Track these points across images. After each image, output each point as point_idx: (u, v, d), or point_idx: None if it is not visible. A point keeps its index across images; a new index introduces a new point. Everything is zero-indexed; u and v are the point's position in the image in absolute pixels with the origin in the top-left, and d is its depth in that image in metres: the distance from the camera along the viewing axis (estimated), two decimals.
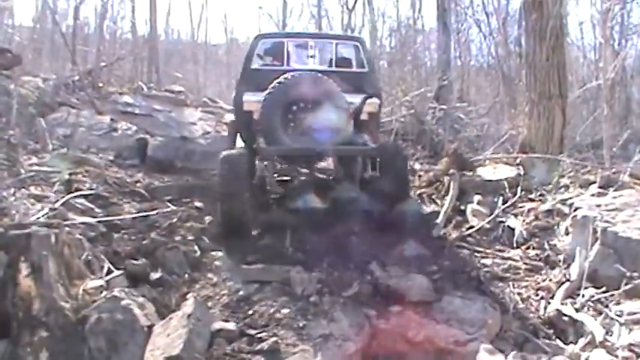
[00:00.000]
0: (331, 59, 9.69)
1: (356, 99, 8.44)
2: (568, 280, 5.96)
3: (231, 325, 5.12)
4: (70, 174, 8.43)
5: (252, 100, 8.36)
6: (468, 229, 7.66)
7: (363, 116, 8.59)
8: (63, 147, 10.61)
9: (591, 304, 5.46)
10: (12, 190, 6.97)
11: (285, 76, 7.93)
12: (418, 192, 9.22)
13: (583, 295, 5.59)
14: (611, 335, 4.91)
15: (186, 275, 6.24)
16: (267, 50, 9.64)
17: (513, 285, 6.12)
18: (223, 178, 7.38)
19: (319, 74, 8.07)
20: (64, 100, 13.88)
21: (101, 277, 5.55)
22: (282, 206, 8.89)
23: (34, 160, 9.20)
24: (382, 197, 8.07)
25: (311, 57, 9.68)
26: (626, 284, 5.49)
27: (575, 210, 6.85)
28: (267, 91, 7.87)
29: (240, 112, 8.69)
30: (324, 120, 7.81)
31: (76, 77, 16.08)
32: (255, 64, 9.27)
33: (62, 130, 11.75)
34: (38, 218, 6.03)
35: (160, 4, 28.56)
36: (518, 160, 9.54)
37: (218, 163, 7.53)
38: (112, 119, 13.07)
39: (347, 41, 10.35)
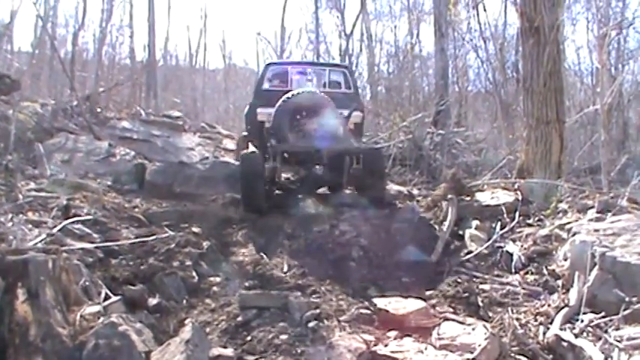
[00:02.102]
0: (325, 82, 12.08)
1: (344, 112, 10.63)
2: (567, 306, 5.91)
3: (229, 351, 5.07)
4: (68, 199, 8.41)
5: (264, 113, 10.75)
6: (467, 254, 7.65)
7: (350, 125, 10.93)
8: (61, 172, 10.63)
9: (590, 330, 5.41)
10: (10, 216, 6.94)
11: (292, 92, 10.29)
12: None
13: (582, 321, 5.54)
14: None
15: (184, 301, 6.21)
16: (274, 75, 12.14)
17: (512, 310, 6.07)
18: (243, 171, 9.77)
19: (316, 91, 10.48)
20: (62, 126, 13.95)
21: (99, 303, 5.48)
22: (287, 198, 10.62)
23: (32, 185, 9.21)
24: (363, 186, 10.40)
25: (309, 80, 11.50)
26: (625, 309, 5.45)
27: (573, 235, 6.84)
28: (278, 103, 10.11)
29: (254, 122, 11.18)
30: (320, 125, 10.03)
31: (75, 103, 16.17)
32: (266, 85, 11.80)
33: (60, 156, 11.78)
34: (36, 244, 6.00)
35: (159, 30, 28.79)
36: (516, 186, 9.56)
37: (239, 160, 10.34)
38: (110, 144, 13.11)
39: (337, 68, 13.32)
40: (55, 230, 6.63)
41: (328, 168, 10.54)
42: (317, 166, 10.68)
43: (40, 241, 6.13)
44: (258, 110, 11.02)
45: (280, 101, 10.14)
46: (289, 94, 10.18)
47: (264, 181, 9.92)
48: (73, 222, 7.26)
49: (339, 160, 10.31)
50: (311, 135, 10.10)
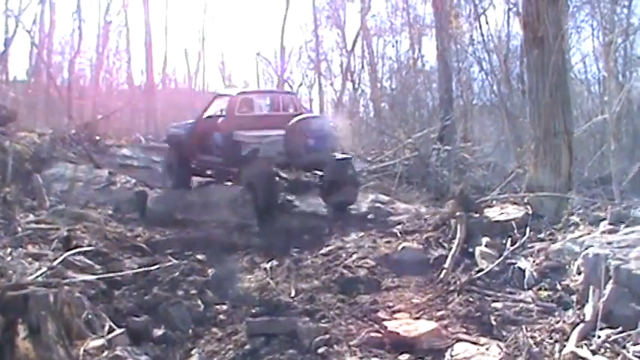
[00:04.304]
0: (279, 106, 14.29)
1: None
2: (582, 321, 5.78)
3: None
4: (69, 230, 8.35)
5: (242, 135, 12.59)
6: (477, 272, 7.51)
7: None
8: (60, 203, 10.57)
9: (608, 346, 5.29)
10: (9, 250, 6.86)
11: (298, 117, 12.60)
12: (425, 236, 9.07)
13: (599, 337, 5.42)
14: None
15: (190, 331, 6.11)
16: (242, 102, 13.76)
17: (526, 328, 5.94)
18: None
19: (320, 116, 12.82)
20: (60, 155, 13.92)
21: (102, 336, 5.40)
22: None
23: (32, 217, 9.15)
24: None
25: (267, 105, 14.36)
26: None
27: (586, 248, 6.71)
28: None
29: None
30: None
31: (73, 131, 16.20)
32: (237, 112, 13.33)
33: (59, 186, 11.77)
34: (36, 277, 5.90)
35: (156, 54, 28.81)
36: (525, 200, 9.45)
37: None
38: (110, 172, 13.14)
39: (286, 95, 16.98)
40: (55, 263, 6.51)
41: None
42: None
43: (41, 275, 6.02)
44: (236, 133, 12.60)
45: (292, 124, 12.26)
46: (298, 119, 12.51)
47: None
48: (74, 254, 7.15)
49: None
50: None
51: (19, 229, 8.09)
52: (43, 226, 8.57)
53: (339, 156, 12.93)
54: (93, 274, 6.88)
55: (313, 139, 12.40)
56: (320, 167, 12.60)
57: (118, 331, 5.60)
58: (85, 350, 4.96)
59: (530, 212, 8.89)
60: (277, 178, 12.07)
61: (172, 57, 49.36)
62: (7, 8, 25.49)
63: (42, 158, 13.03)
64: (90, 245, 7.90)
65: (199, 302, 6.68)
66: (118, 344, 5.25)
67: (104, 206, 11.05)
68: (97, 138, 17.00)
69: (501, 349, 5.44)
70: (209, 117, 13.54)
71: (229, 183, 13.13)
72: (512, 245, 7.94)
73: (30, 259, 6.77)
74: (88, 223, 9.13)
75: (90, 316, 5.65)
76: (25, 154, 12.50)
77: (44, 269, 6.16)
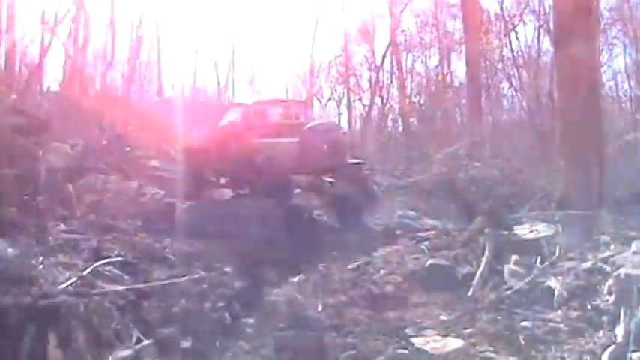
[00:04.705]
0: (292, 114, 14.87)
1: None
2: (613, 343, 5.71)
3: None
4: (99, 241, 8.43)
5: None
6: (506, 290, 7.44)
7: None
8: (91, 213, 10.62)
9: None
10: (40, 258, 6.92)
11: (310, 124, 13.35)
12: (453, 253, 9.02)
13: (631, 359, 5.35)
14: None
15: (218, 343, 6.12)
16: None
17: (555, 348, 5.89)
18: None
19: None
20: (91, 166, 14.01)
21: (130, 347, 5.44)
22: None
23: (63, 227, 9.20)
24: None
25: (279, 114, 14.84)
26: None
27: (617, 268, 6.65)
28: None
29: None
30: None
31: (104, 142, 16.32)
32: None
33: (90, 196, 11.80)
34: (67, 286, 5.96)
35: (186, 67, 29.02)
36: (555, 218, 9.35)
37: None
38: (139, 184, 13.16)
39: (298, 103, 17.77)
40: (85, 272, 6.57)
41: None
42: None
43: (71, 284, 6.08)
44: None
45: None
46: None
47: None
48: (103, 264, 7.21)
49: None
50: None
51: (51, 238, 8.16)
52: (73, 236, 8.64)
53: (352, 161, 13.61)
54: (122, 284, 6.90)
55: (326, 144, 12.79)
56: (333, 172, 13.29)
57: (146, 341, 5.63)
58: None
59: (560, 230, 8.81)
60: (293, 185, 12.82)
61: (202, 70, 49.76)
62: (44, 20, 26.02)
63: (73, 169, 13.14)
64: (119, 256, 7.91)
65: (227, 315, 6.70)
66: (145, 355, 5.29)
67: (133, 217, 11.11)
68: (128, 149, 17.13)
69: None
70: (223, 126, 13.97)
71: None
72: (541, 263, 7.87)
73: (61, 268, 6.81)
74: (117, 234, 9.22)
75: (119, 326, 5.69)
76: (57, 164, 12.61)
77: (75, 279, 6.21)
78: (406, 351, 5.87)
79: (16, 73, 25.02)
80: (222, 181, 13.98)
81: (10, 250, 7.10)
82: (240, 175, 13.15)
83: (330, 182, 13.60)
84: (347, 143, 13.82)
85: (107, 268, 7.16)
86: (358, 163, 13.78)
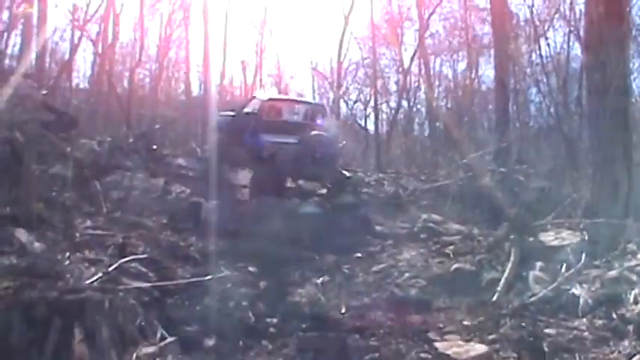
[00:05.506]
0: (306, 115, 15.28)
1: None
2: (638, 352, 5.67)
3: None
4: (124, 237, 8.45)
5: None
6: (531, 296, 7.41)
7: None
8: (117, 210, 10.70)
9: None
10: (67, 254, 7.00)
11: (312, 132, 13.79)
12: (478, 258, 8.99)
13: None
14: None
15: (241, 342, 6.10)
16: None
17: (579, 357, 5.84)
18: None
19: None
20: (118, 163, 14.11)
21: (154, 344, 5.45)
22: None
23: (89, 223, 9.26)
24: None
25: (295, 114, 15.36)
26: None
27: None
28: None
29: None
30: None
31: (131, 140, 16.43)
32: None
33: (116, 193, 11.87)
34: (92, 282, 6.01)
35: (214, 65, 29.10)
36: (581, 225, 9.28)
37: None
38: (165, 182, 13.23)
39: (315, 106, 17.64)
40: (111, 269, 6.62)
41: None
42: None
43: (97, 280, 6.13)
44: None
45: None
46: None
47: None
48: (128, 260, 7.26)
49: None
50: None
51: (77, 234, 8.25)
52: (99, 232, 8.71)
53: (344, 172, 14.73)
54: (147, 281, 6.93)
55: (319, 153, 13.45)
56: (320, 179, 14.20)
57: (170, 339, 5.64)
58: (137, 356, 5.04)
59: (586, 238, 8.74)
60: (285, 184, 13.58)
61: (230, 68, 49.83)
62: (74, 18, 26.29)
63: (100, 165, 13.23)
64: (144, 253, 7.97)
65: (250, 314, 6.70)
66: (169, 352, 5.29)
67: (159, 215, 11.16)
68: (154, 147, 17.21)
69: None
70: (246, 114, 14.50)
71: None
72: (566, 271, 7.82)
73: (87, 264, 6.88)
74: (142, 231, 9.28)
75: (143, 323, 5.71)
76: (85, 161, 12.71)
77: (100, 274, 6.27)
78: (429, 355, 5.85)
79: (46, 69, 25.29)
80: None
81: (37, 244, 7.21)
82: (249, 161, 13.84)
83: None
84: (338, 155, 15.13)
85: (132, 265, 7.21)
86: (347, 176, 14.67)
